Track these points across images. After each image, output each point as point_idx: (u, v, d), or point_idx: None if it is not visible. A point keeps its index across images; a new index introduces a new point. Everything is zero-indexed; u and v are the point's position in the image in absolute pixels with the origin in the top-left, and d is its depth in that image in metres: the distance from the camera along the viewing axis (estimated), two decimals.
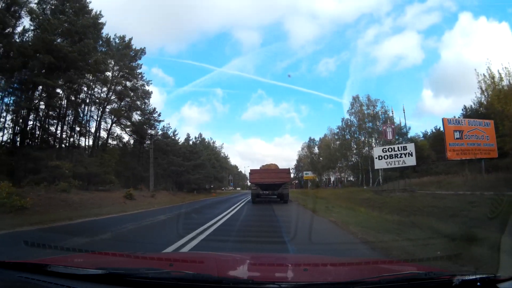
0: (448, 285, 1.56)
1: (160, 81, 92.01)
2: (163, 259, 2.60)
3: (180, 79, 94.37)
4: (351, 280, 1.68)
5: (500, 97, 22.91)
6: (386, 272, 2.07)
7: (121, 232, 7.53)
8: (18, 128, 21.33)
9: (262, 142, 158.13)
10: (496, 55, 52.50)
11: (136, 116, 31.38)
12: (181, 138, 43.81)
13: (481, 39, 65.21)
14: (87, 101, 25.77)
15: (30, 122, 21.56)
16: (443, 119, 22.61)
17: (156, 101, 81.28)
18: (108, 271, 1.69)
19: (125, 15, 74.19)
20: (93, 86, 25.11)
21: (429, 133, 44.62)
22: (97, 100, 26.30)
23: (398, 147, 19.47)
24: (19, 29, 20.39)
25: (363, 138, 37.44)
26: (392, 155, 19.20)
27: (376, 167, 19.92)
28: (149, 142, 31.42)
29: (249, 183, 28.29)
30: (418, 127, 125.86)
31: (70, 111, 23.50)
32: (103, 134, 29.20)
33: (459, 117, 23.49)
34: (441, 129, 42.19)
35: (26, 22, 20.67)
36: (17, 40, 19.78)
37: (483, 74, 30.22)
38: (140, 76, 30.52)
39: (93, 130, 27.20)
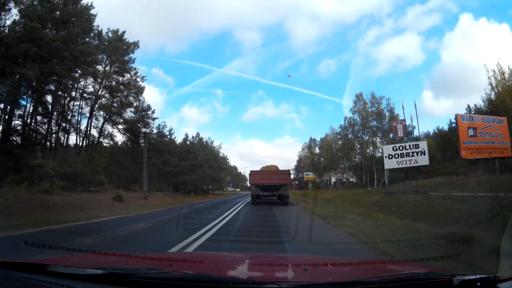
0: (448, 285, 1.55)
1: (160, 82, 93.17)
2: (163, 259, 2.57)
3: (180, 80, 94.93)
4: (351, 280, 1.66)
5: None
6: (386, 272, 2.06)
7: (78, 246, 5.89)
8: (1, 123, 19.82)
9: (262, 143, 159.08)
10: (495, 55, 51.67)
11: (129, 114, 29.84)
12: (179, 139, 42.48)
13: (482, 40, 65.38)
14: (75, 95, 24.18)
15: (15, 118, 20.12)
16: (456, 115, 21.14)
17: (156, 101, 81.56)
18: (108, 271, 1.67)
19: (125, 15, 73.39)
20: (81, 80, 23.49)
21: (431, 134, 43.30)
22: (86, 95, 24.67)
23: (409, 145, 17.85)
24: (8, 22, 19.01)
25: (367, 137, 35.84)
26: (403, 153, 17.57)
27: (386, 167, 18.31)
28: (142, 141, 29.78)
29: (248, 184, 28.01)
30: (419, 128, 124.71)
31: (55, 106, 21.86)
32: (95, 133, 27.66)
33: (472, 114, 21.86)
34: (445, 129, 41.02)
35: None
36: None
37: (493, 70, 29.03)
38: (134, 71, 29.00)
39: (82, 127, 25.60)
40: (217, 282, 1.62)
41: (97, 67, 25.72)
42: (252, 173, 21.45)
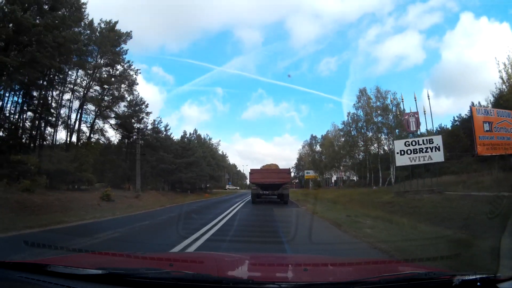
0: (448, 285, 1.55)
1: (160, 80, 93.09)
2: (163, 259, 2.54)
3: (180, 78, 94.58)
4: (351, 280, 1.66)
5: None
6: (386, 272, 2.02)
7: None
8: None
9: (262, 142, 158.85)
10: (495, 55, 51.39)
11: (122, 109, 28.19)
12: (176, 136, 40.93)
13: (482, 39, 64.54)
14: (62, 88, 22.60)
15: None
16: (471, 108, 19.74)
17: (156, 100, 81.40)
18: (108, 271, 1.67)
19: (125, 13, 71.94)
20: (68, 70, 21.85)
21: (434, 132, 41.87)
22: (71, 86, 23.05)
23: (423, 140, 16.31)
24: None
25: (371, 134, 34.32)
26: (416, 149, 16.03)
27: (397, 164, 16.79)
28: (136, 137, 28.21)
29: (248, 183, 27.33)
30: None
31: (39, 98, 20.29)
32: (85, 128, 26.05)
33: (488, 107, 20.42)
34: (448, 127, 39.60)
35: None
36: None
37: (504, 63, 27.77)
38: (127, 64, 27.30)
39: (71, 122, 23.99)
40: (217, 282, 1.60)
41: (86, 58, 24.25)
42: (252, 171, 21.58)
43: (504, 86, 28.68)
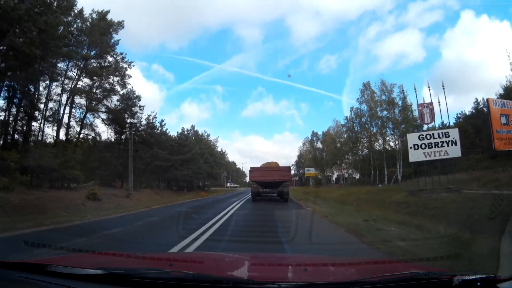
0: (448, 285, 1.52)
1: (160, 78, 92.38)
2: (163, 259, 2.52)
3: (180, 76, 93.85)
4: (351, 280, 1.66)
5: None
6: (386, 272, 1.99)
7: None
8: None
9: (262, 140, 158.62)
10: (495, 55, 50.58)
11: (114, 103, 26.65)
12: (174, 132, 39.40)
13: (483, 37, 65.34)
14: (49, 82, 21.10)
15: None
16: (488, 100, 18.32)
17: (156, 98, 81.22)
18: (108, 271, 1.65)
19: (125, 12, 70.38)
20: (53, 60, 20.29)
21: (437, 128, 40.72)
22: (60, 78, 21.55)
23: (438, 133, 14.82)
24: None
25: (375, 129, 32.81)
26: (431, 143, 14.57)
27: (410, 160, 15.29)
28: (128, 132, 26.71)
29: (248, 180, 26.30)
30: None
31: (22, 90, 18.79)
32: (74, 123, 24.49)
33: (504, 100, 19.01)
34: (450, 124, 38.38)
35: None
36: None
37: None
38: (120, 56, 25.74)
39: (57, 116, 22.45)
40: (217, 282, 1.60)
41: (76, 49, 22.74)
42: (252, 169, 21.59)
43: None
